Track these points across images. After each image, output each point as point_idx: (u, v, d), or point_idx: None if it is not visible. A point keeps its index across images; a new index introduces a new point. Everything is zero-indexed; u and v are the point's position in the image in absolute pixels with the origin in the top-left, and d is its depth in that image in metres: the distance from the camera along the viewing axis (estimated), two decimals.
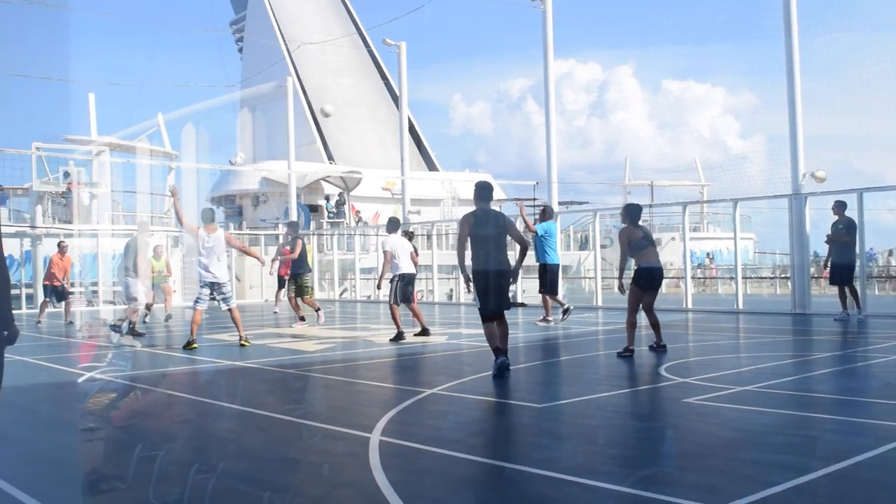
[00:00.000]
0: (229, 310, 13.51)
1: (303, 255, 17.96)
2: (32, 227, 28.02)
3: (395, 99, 45.46)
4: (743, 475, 5.12)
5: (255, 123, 51.07)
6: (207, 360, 12.08)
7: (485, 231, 9.95)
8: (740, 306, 20.13)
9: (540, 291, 17.49)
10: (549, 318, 16.91)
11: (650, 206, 27.80)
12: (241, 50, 66.76)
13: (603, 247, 30.62)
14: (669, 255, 40.64)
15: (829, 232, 16.91)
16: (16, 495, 4.84)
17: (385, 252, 14.26)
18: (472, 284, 10.07)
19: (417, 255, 15.27)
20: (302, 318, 17.51)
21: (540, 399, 8.42)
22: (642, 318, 11.59)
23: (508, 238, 10.16)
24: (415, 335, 14.22)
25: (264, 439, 6.66)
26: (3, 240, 4.26)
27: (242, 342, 13.29)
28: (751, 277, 36.93)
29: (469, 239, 9.94)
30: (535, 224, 17.50)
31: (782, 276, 34.90)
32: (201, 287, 13.37)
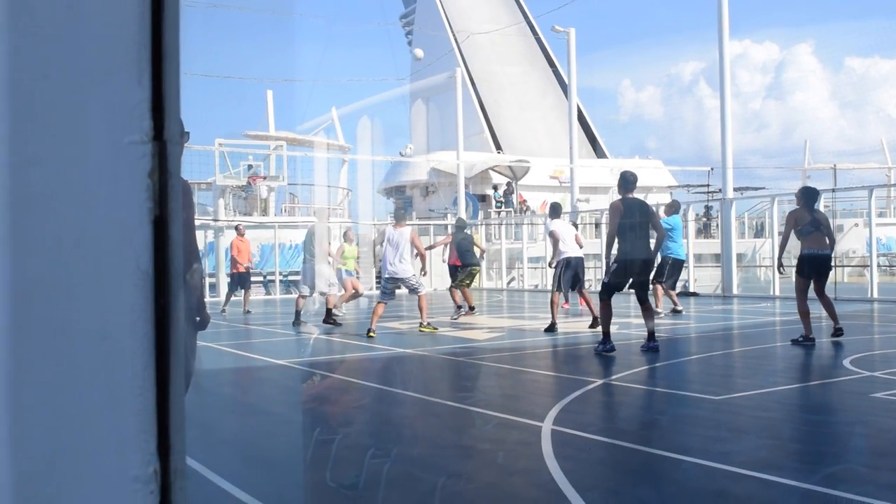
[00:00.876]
0: (418, 297, 14.02)
1: (466, 247, 17.67)
2: (215, 219, 29.41)
3: (563, 86, 45.18)
4: None
5: (425, 115, 51.86)
6: (382, 347, 12.36)
7: (633, 219, 10.61)
8: None
9: (653, 282, 16.68)
10: (660, 310, 16.09)
11: (833, 190, 26.42)
12: (410, 43, 67.93)
13: (780, 234, 29.49)
14: (853, 241, 38.68)
15: None
16: (201, 471, 5.08)
17: (551, 232, 14.20)
18: (613, 268, 10.89)
19: (581, 246, 15.05)
20: (459, 307, 17.28)
21: (717, 391, 8.19)
22: (818, 308, 11.14)
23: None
24: (589, 327, 13.98)
25: (438, 426, 6.76)
26: None
27: (421, 328, 13.72)
28: None
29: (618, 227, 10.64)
30: (661, 218, 16.69)
31: None
32: (385, 282, 13.94)
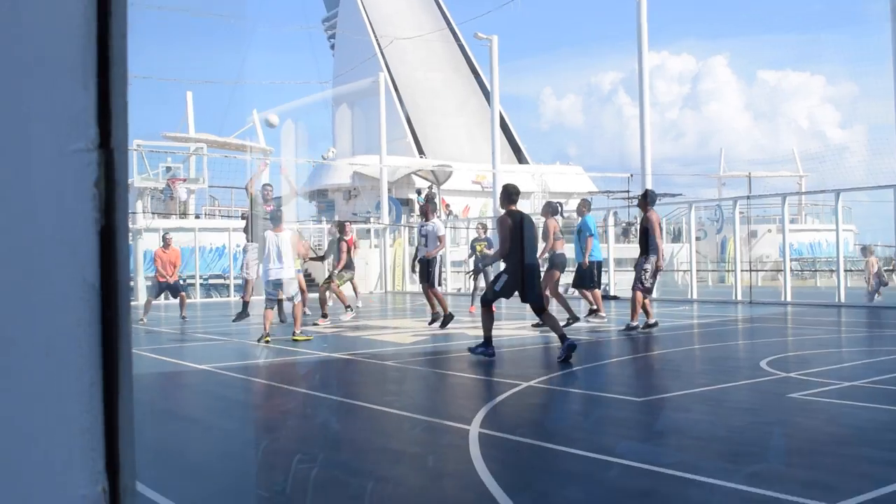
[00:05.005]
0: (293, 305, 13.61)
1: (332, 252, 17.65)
2: (133, 222, 28.87)
3: (485, 93, 45.47)
4: (855, 472, 4.96)
5: (348, 119, 51.69)
6: (305, 351, 12.25)
7: (522, 230, 10.71)
8: (842, 299, 19.54)
9: (583, 288, 16.56)
10: (602, 313, 16.19)
11: (748, 197, 27.08)
12: (333, 47, 67.64)
13: (697, 239, 30.12)
14: (766, 247, 39.65)
15: None
16: None
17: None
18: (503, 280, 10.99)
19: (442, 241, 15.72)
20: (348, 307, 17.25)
21: (639, 392, 8.32)
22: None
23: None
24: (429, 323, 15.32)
25: (365, 430, 6.72)
26: None
27: (294, 336, 13.22)
28: (852, 270, 35.80)
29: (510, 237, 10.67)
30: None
31: (886, 269, 33.76)
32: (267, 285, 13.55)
